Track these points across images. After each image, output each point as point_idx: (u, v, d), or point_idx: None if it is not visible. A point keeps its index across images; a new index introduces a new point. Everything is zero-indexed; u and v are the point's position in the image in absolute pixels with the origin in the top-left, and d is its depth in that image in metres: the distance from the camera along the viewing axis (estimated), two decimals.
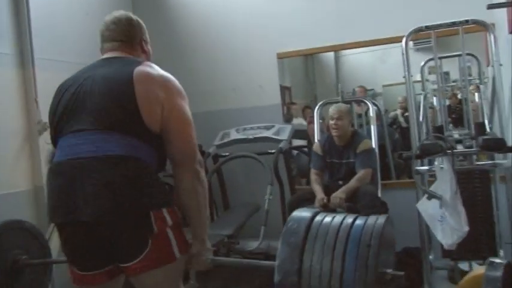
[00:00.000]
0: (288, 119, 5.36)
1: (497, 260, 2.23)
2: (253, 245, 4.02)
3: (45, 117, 2.03)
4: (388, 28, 4.29)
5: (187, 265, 2.07)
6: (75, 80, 1.99)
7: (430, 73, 4.43)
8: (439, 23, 3.54)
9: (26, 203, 3.49)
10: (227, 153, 4.50)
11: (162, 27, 5.04)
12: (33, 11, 3.71)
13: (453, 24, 3.55)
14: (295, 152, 5.11)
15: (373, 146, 4.04)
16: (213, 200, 4.60)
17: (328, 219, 1.84)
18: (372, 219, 1.82)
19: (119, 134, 1.86)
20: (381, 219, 1.81)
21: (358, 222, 1.81)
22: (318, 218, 1.86)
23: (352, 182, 3.77)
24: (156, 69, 2.00)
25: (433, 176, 3.43)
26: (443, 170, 3.41)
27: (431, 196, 3.34)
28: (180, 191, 1.99)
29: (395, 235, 3.81)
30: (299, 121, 5.39)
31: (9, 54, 3.60)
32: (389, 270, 1.77)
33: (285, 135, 4.29)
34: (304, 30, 4.61)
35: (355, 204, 3.73)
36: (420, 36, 3.85)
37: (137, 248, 1.87)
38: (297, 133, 4.82)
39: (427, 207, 3.40)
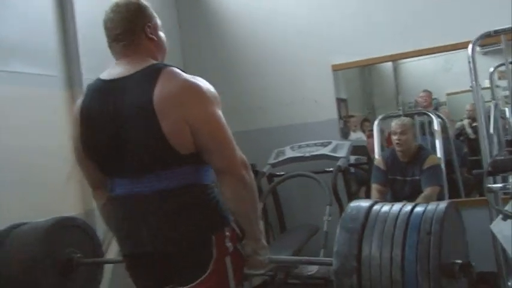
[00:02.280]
0: (345, 133, 5.19)
1: None
2: (313, 268, 3.91)
3: None
4: (451, 34, 4.05)
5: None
6: (100, 112, 1.89)
7: (500, 78, 4.19)
8: (509, 26, 3.28)
9: None
10: (282, 173, 4.38)
11: (209, 41, 4.98)
12: (80, 32, 3.72)
13: None
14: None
15: (439, 161, 3.83)
16: (268, 223, 4.50)
17: (386, 207, 1.84)
18: (432, 205, 1.78)
19: (168, 170, 1.84)
20: (443, 204, 1.76)
21: (418, 209, 1.78)
22: (377, 206, 1.86)
23: (418, 201, 3.53)
24: (175, 81, 1.83)
25: (508, 194, 3.22)
26: None
27: (507, 217, 3.14)
28: (226, 199, 1.91)
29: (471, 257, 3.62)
30: (357, 135, 5.21)
31: (58, 76, 3.62)
32: (457, 261, 1.70)
33: (343, 152, 4.15)
34: (360, 40, 4.43)
35: None
36: (488, 40, 3.58)
37: (197, 270, 1.85)
38: (356, 149, 4.65)
39: (502, 229, 3.20)
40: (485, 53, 4.50)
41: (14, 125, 3.28)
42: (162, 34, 2.04)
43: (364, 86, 5.83)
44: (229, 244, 1.89)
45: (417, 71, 5.43)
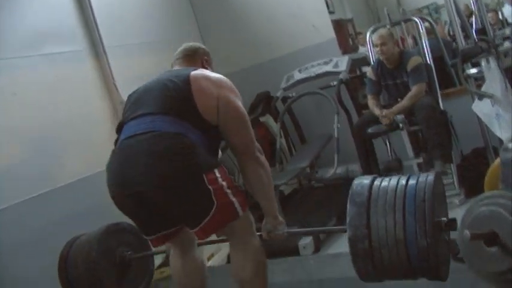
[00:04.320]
0: (354, 49, 5.53)
1: (510, 145, 2.41)
2: (331, 171, 4.29)
3: (126, 98, 2.42)
4: None
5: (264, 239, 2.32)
6: (144, 85, 2.32)
7: None
8: None
9: None
10: (294, 94, 4.75)
11: None
12: (95, 5, 4.17)
13: None
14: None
15: (424, 60, 4.12)
16: (289, 139, 4.95)
17: (385, 182, 2.04)
18: (422, 177, 1.99)
19: (173, 117, 2.11)
20: (431, 176, 1.97)
21: (411, 181, 1.99)
22: (376, 182, 2.06)
23: (404, 101, 3.96)
24: (212, 73, 2.29)
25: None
26: (490, 70, 3.49)
27: (482, 96, 3.48)
28: (246, 176, 2.24)
29: (464, 139, 4.03)
30: (366, 49, 5.50)
31: (83, 49, 4.11)
32: (443, 219, 1.96)
33: (343, 66, 4.47)
34: None
35: (415, 118, 3.94)
36: None
37: (200, 212, 2.08)
38: (360, 61, 4.99)
39: (481, 108, 3.53)
40: None
41: (57, 99, 3.80)
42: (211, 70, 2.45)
43: (368, 2, 6.11)
44: (223, 182, 2.11)
45: None
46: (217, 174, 2.11)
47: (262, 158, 2.27)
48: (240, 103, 2.24)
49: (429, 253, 1.85)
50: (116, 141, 2.26)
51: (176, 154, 2.04)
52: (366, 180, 2.08)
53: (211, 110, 2.15)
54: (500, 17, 5.09)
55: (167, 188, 2.04)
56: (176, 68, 2.40)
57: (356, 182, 2.08)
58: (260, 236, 2.34)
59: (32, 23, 3.78)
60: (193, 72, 2.21)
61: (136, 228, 2.94)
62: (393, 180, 2.04)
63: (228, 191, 2.13)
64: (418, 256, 1.87)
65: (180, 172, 2.03)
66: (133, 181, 2.06)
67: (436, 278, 1.96)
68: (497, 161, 2.74)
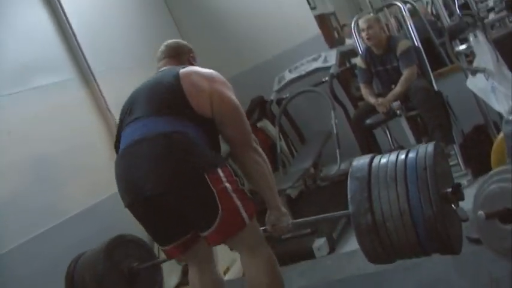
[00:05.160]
0: (341, 42, 5.53)
1: (511, 117, 2.39)
2: (335, 168, 4.26)
3: None
4: None
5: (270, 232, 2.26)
6: (134, 90, 2.30)
7: None
8: None
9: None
10: (288, 95, 4.74)
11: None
12: (78, 32, 4.14)
13: None
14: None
15: (412, 43, 4.10)
16: (289, 140, 4.94)
17: (385, 158, 2.00)
18: (422, 147, 1.95)
19: (167, 116, 2.08)
20: (430, 146, 1.93)
21: (411, 154, 1.95)
22: (376, 159, 2.02)
23: (398, 87, 3.93)
24: (202, 68, 2.26)
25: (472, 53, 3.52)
26: (479, 43, 3.48)
27: (475, 71, 3.46)
28: (245, 167, 2.20)
29: (463, 117, 4.00)
30: (353, 41, 5.50)
31: (72, 78, 4.09)
32: (449, 189, 1.88)
33: (332, 61, 4.45)
34: None
35: (411, 102, 3.92)
36: None
37: (208, 215, 2.04)
38: (348, 53, 4.98)
39: (476, 83, 3.49)
40: None
41: (52, 131, 3.74)
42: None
43: None
44: (227, 184, 2.05)
45: None
46: (221, 174, 2.05)
47: (259, 149, 2.23)
48: (233, 95, 2.21)
49: (437, 222, 1.80)
50: (116, 147, 2.26)
51: (173, 153, 2.02)
52: (365, 158, 2.05)
53: (205, 104, 2.12)
54: None
55: (172, 191, 2.01)
56: (163, 68, 2.36)
57: (355, 160, 2.05)
58: (265, 229, 2.28)
59: (17, 57, 3.76)
60: (182, 70, 2.20)
61: (141, 240, 3.03)
62: (393, 155, 2.00)
63: (234, 194, 2.07)
64: (424, 227, 1.82)
65: (181, 173, 2.01)
66: (140, 188, 2.03)
67: (448, 250, 1.91)
68: (501, 135, 2.71)
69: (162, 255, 2.81)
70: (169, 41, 2.49)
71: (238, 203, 2.08)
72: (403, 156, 1.96)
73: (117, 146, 2.26)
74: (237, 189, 2.09)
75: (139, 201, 2.08)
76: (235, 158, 2.25)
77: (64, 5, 4.13)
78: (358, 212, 1.91)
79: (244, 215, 2.09)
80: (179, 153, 2.02)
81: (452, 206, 1.90)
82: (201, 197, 2.03)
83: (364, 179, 1.93)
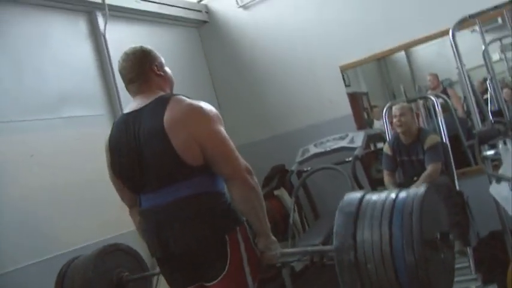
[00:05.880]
0: (369, 124, 5.56)
1: None
2: None
3: None
4: (443, 19, 4.27)
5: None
6: (123, 139, 2.17)
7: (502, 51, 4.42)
8: (481, 10, 3.55)
9: (134, 239, 3.96)
10: (309, 168, 4.74)
11: (233, 64, 5.56)
12: (117, 75, 4.23)
13: (496, 7, 3.60)
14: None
15: (440, 139, 4.13)
16: (303, 214, 4.89)
17: (376, 195, 2.00)
18: (413, 190, 1.94)
19: (183, 181, 2.09)
20: (422, 189, 1.91)
21: (402, 194, 1.94)
22: (368, 195, 2.02)
23: (420, 181, 3.90)
24: (180, 106, 2.09)
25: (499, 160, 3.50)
26: (508, 152, 3.47)
27: (500, 179, 3.44)
28: (235, 201, 2.14)
29: (481, 221, 3.94)
30: (381, 123, 5.53)
31: (103, 114, 4.19)
32: (437, 234, 1.87)
33: (359, 142, 4.51)
34: (360, 39, 4.89)
35: None
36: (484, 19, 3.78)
37: (217, 269, 2.08)
38: (375, 137, 5.03)
39: (499, 191, 3.43)
40: (486, 31, 4.74)
41: (75, 162, 3.81)
42: (167, 69, 2.33)
43: (383, 77, 6.16)
44: (242, 243, 2.10)
45: (429, 55, 5.67)
46: (239, 235, 2.12)
47: (252, 179, 2.14)
48: (218, 127, 2.12)
49: (418, 269, 1.77)
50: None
51: (201, 216, 2.08)
52: (358, 193, 2.06)
53: (197, 155, 2.07)
54: None
55: (196, 249, 2.09)
56: (139, 105, 2.18)
57: (348, 194, 2.06)
58: None
59: (54, 86, 3.86)
60: (165, 120, 2.05)
61: (135, 251, 3.06)
62: (384, 194, 1.99)
63: (245, 255, 2.12)
64: (406, 272, 1.79)
65: (206, 236, 2.07)
66: (168, 245, 2.11)
67: None
68: None
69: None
70: (128, 51, 2.26)
71: (246, 266, 2.12)
72: (393, 196, 1.95)
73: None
74: (249, 249, 2.14)
75: (166, 256, 2.17)
76: (226, 186, 2.20)
77: (108, 42, 4.28)
78: (342, 247, 1.91)
79: (249, 279, 2.12)
80: (204, 216, 2.08)
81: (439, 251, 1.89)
82: (217, 253, 2.09)
83: (352, 214, 1.94)
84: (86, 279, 2.76)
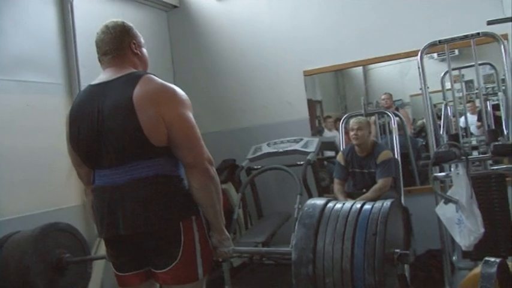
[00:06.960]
0: (319, 132, 5.61)
1: (492, 259, 2.42)
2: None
3: None
4: (408, 42, 4.52)
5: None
6: (86, 111, 2.10)
7: (455, 82, 4.59)
8: (451, 37, 3.72)
9: (77, 217, 3.84)
10: (259, 166, 4.74)
11: (197, 53, 5.47)
12: (79, 46, 4.11)
13: (465, 37, 3.74)
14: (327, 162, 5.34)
15: (394, 155, 4.22)
16: (247, 211, 4.88)
17: (339, 205, 1.98)
18: (378, 204, 1.93)
19: (143, 160, 2.03)
20: (387, 203, 1.92)
21: (366, 206, 1.93)
22: (330, 204, 2.00)
23: (369, 193, 3.99)
24: (153, 84, 2.05)
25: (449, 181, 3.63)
26: (459, 176, 3.57)
27: (448, 201, 3.54)
28: (193, 190, 2.08)
29: (420, 238, 4.05)
30: (333, 133, 5.55)
31: (60, 83, 4.03)
32: (396, 250, 1.89)
33: (312, 148, 4.52)
34: (328, 49, 4.94)
35: None
36: (441, 48, 3.96)
37: (168, 257, 2.05)
38: (327, 145, 5.08)
39: (445, 212, 3.55)
40: (442, 60, 4.94)
41: (24, 127, 3.66)
42: (144, 50, 2.29)
43: (338, 89, 6.25)
44: (196, 233, 2.07)
45: (385, 75, 5.77)
46: (194, 224, 2.08)
47: (212, 170, 2.10)
48: (187, 112, 2.09)
49: None
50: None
51: (160, 198, 2.03)
52: (319, 201, 2.02)
53: (163, 136, 2.03)
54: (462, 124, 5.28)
55: (148, 231, 2.03)
56: (110, 77, 2.12)
57: (308, 202, 2.02)
58: None
59: (11, 47, 3.70)
60: (135, 95, 2.00)
61: (75, 229, 2.98)
62: (347, 204, 1.98)
63: (198, 247, 2.08)
64: None
65: (162, 218, 2.02)
66: (119, 226, 2.04)
67: None
68: (473, 272, 2.75)
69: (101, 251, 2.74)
70: (109, 24, 2.20)
71: (198, 257, 2.09)
72: (357, 207, 1.94)
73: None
74: (203, 241, 2.11)
75: (115, 236, 2.10)
76: (186, 174, 2.14)
77: (75, 11, 4.12)
78: (300, 261, 1.89)
79: (200, 270, 2.10)
80: (159, 199, 2.03)
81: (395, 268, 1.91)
82: (169, 240, 2.05)
83: (313, 227, 1.91)
84: (22, 266, 2.67)
